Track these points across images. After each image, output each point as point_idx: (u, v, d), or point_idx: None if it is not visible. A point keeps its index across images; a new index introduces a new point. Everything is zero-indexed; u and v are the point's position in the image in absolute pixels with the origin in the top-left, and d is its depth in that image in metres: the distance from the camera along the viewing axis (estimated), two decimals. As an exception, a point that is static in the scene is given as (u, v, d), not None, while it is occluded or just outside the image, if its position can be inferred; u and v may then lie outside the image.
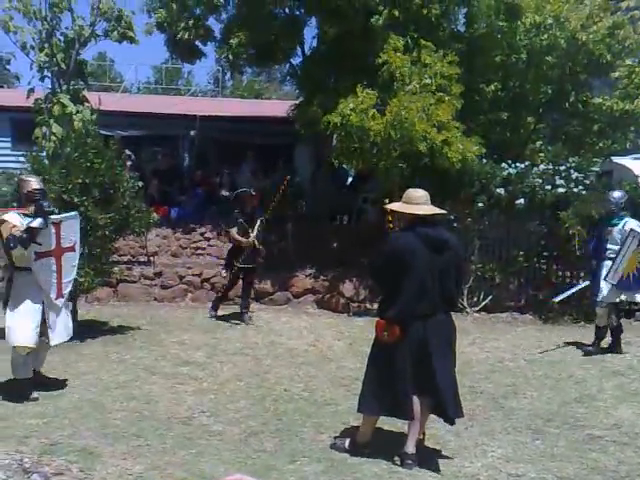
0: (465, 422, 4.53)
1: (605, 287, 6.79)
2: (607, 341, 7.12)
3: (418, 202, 4.07)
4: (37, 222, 4.85)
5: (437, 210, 4.13)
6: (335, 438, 4.35)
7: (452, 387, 4.02)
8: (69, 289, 5.33)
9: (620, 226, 6.84)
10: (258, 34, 9.95)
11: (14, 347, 4.94)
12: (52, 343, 5.15)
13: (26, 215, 4.95)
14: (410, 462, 3.95)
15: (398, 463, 3.98)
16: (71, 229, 5.30)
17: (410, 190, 4.20)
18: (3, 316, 4.98)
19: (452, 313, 4.15)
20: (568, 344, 7.41)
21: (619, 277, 6.68)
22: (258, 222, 8.21)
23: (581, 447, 4.36)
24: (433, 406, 4.03)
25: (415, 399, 3.98)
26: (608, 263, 6.77)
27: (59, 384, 5.36)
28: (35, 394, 5.00)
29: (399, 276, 3.91)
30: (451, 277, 4.02)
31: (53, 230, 5.07)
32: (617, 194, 7.09)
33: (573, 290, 7.47)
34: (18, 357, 5.00)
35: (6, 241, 4.78)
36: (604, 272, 6.77)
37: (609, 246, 6.87)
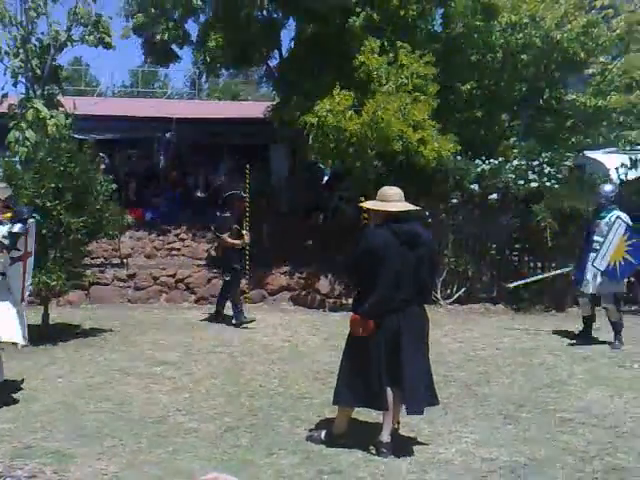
0: (439, 410, 4.58)
1: (591, 279, 6.76)
2: (578, 328, 7.27)
3: (392, 199, 4.11)
4: (18, 227, 4.93)
5: (410, 206, 4.17)
6: (311, 430, 4.37)
7: (422, 379, 4.06)
8: (28, 292, 5.38)
9: (607, 219, 6.81)
10: (236, 36, 9.96)
11: None
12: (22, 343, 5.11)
13: None
14: (385, 451, 3.99)
15: (374, 452, 4.02)
16: (33, 233, 5.34)
17: (384, 188, 4.23)
18: None
19: (425, 305, 4.20)
20: (539, 332, 7.53)
21: (606, 264, 6.65)
22: (245, 222, 8.17)
23: (552, 430, 4.43)
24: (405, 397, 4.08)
25: (388, 390, 4.02)
26: (593, 255, 6.77)
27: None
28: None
29: (373, 272, 3.95)
30: (424, 271, 4.07)
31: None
32: (608, 187, 7.11)
33: (531, 279, 7.69)
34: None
35: None
36: (589, 261, 6.75)
37: (595, 238, 6.86)
